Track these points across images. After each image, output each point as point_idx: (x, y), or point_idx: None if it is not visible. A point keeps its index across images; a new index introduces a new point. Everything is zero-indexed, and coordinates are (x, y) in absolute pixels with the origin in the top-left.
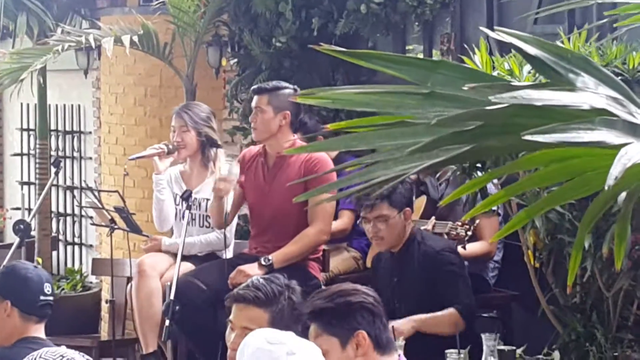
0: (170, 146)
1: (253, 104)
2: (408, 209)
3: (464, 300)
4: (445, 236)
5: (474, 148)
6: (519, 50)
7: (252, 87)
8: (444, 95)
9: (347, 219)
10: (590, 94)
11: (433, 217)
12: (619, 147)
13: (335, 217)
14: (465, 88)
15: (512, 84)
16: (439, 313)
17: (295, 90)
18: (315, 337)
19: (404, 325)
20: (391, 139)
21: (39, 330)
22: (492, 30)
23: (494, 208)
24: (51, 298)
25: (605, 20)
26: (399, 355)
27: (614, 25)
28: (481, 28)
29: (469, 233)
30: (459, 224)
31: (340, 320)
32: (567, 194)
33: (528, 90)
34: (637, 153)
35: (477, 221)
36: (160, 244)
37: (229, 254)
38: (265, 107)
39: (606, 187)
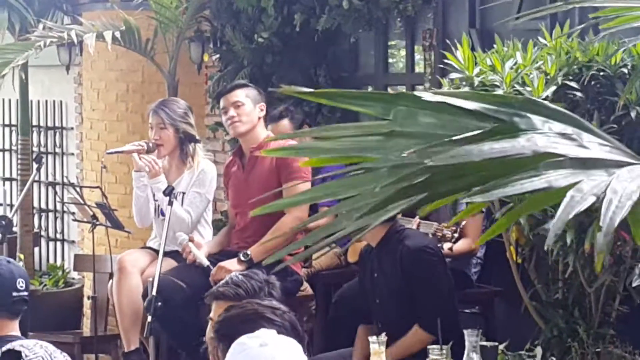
0: (150, 144)
1: (230, 100)
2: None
3: (434, 305)
4: (430, 236)
5: (426, 197)
6: (458, 108)
7: (219, 91)
8: (404, 132)
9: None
10: (535, 135)
11: (417, 217)
12: (567, 188)
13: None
14: (404, 154)
15: (454, 139)
16: (405, 338)
17: (256, 88)
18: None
19: None
20: (354, 187)
21: (12, 327)
22: (474, 27)
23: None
24: (25, 294)
25: (586, 24)
26: None
27: (600, 27)
28: (416, 93)
29: (455, 235)
30: (445, 225)
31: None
32: (542, 202)
33: (467, 146)
34: (582, 199)
35: (463, 223)
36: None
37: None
38: (244, 100)
39: (547, 245)
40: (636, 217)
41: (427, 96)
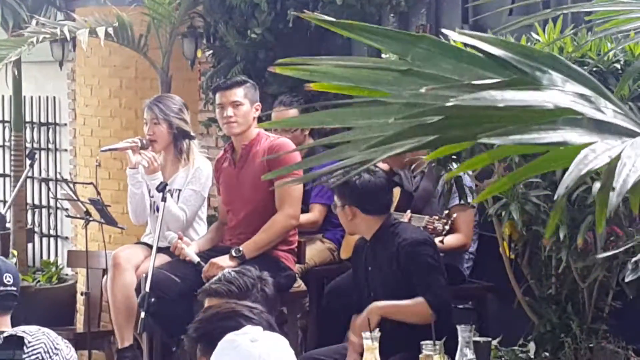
0: (144, 141)
1: (229, 98)
2: (353, 206)
3: (435, 291)
4: (422, 229)
5: (438, 138)
6: (482, 51)
7: (218, 84)
8: (421, 73)
9: (318, 213)
10: (556, 91)
11: (409, 211)
12: (581, 146)
13: (307, 211)
14: (422, 91)
15: (475, 83)
16: (406, 301)
17: (254, 85)
18: (199, 357)
19: (370, 314)
20: (365, 117)
21: (2, 323)
22: (467, 23)
23: (469, 201)
24: (13, 289)
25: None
26: None
27: (597, 29)
28: (444, 30)
29: (447, 227)
30: (437, 217)
31: (213, 345)
32: (545, 165)
33: (490, 90)
34: (595, 158)
35: (454, 215)
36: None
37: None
38: (243, 100)
39: (556, 197)
40: (636, 188)
41: (453, 36)
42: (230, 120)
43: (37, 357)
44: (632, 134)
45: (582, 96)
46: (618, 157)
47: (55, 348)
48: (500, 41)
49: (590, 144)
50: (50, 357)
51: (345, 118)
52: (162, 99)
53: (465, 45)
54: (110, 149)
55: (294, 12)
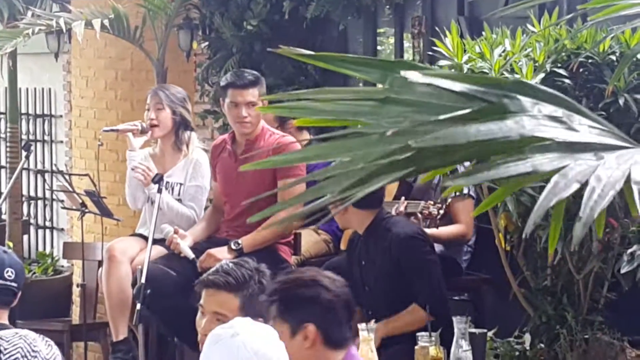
0: (144, 125)
1: (245, 98)
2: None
3: (428, 292)
4: (419, 215)
5: (413, 170)
6: (445, 89)
7: (232, 81)
8: (399, 100)
9: None
10: (524, 117)
11: (403, 198)
12: (551, 173)
13: None
14: (388, 134)
15: (438, 118)
16: (402, 313)
17: (262, 79)
18: (272, 319)
19: None
20: (346, 150)
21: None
22: (463, 14)
23: (468, 192)
24: (14, 284)
25: (574, 14)
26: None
27: (589, 19)
28: (405, 74)
29: (441, 212)
30: (431, 202)
31: (290, 310)
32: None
33: (452, 127)
34: (565, 186)
35: (449, 200)
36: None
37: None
38: (258, 100)
39: (524, 235)
40: (629, 186)
41: (415, 76)
42: (245, 120)
43: None
44: (608, 148)
45: (552, 118)
46: (586, 184)
47: (33, 351)
48: (463, 76)
49: (561, 168)
50: None
51: (328, 152)
52: (168, 87)
53: (465, 31)
54: (112, 130)
55: (289, 7)
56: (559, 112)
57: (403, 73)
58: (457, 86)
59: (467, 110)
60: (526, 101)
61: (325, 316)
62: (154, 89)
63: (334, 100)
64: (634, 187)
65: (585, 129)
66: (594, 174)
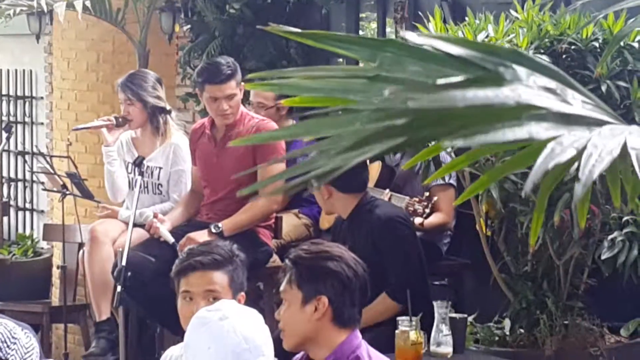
0: (120, 119)
1: (224, 92)
2: (331, 187)
3: (403, 276)
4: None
5: (407, 140)
6: (443, 52)
7: (208, 77)
8: (389, 77)
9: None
10: (520, 86)
11: (388, 190)
12: (547, 140)
13: None
14: (386, 93)
15: (438, 83)
16: (371, 305)
17: (238, 67)
18: (286, 283)
19: None
20: (335, 127)
21: None
22: (447, 1)
23: (449, 180)
24: None
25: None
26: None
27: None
28: (405, 35)
29: (427, 210)
30: (417, 199)
31: (309, 279)
32: (523, 161)
33: (451, 91)
34: (562, 151)
35: (435, 198)
36: (116, 215)
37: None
38: (236, 90)
39: (523, 195)
40: (615, 177)
41: (413, 38)
42: (226, 112)
43: None
44: (600, 123)
45: (547, 89)
46: (584, 148)
47: (13, 337)
48: (461, 40)
49: (556, 137)
50: (7, 346)
51: (316, 129)
52: (134, 78)
53: (448, 18)
54: (84, 128)
55: (259, 25)
56: (552, 84)
57: (403, 34)
58: (455, 50)
59: (464, 77)
60: (521, 71)
61: (341, 293)
62: (121, 84)
63: (323, 78)
64: (632, 153)
65: (579, 103)
66: (591, 141)
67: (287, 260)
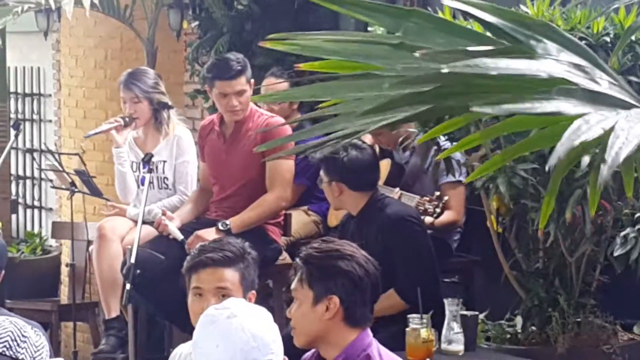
0: (127, 118)
1: (235, 88)
2: (340, 182)
3: (413, 275)
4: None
5: (432, 108)
6: (476, 18)
7: (219, 74)
8: (413, 46)
9: (293, 192)
10: (550, 61)
11: (398, 189)
12: (575, 117)
13: None
14: (417, 55)
15: (469, 49)
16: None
17: (248, 63)
18: (297, 282)
19: None
20: (356, 90)
21: None
22: None
23: (459, 177)
24: None
25: None
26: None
27: None
28: (444, 2)
29: (438, 210)
30: (427, 199)
31: (320, 278)
32: (538, 142)
33: (484, 58)
34: (588, 129)
35: (446, 198)
36: (124, 213)
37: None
38: (246, 86)
39: (547, 168)
40: (629, 167)
41: (447, 2)
42: (236, 109)
43: (4, 346)
44: (627, 106)
45: (577, 66)
46: (611, 130)
47: (23, 336)
48: (494, 8)
49: (584, 114)
50: (17, 344)
51: (337, 91)
52: (138, 76)
53: (458, 13)
54: (95, 133)
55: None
56: (582, 62)
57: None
58: (489, 17)
59: (497, 47)
60: (552, 46)
61: (352, 293)
62: (124, 83)
63: (347, 42)
64: None
65: (606, 84)
66: (618, 123)
67: (297, 259)
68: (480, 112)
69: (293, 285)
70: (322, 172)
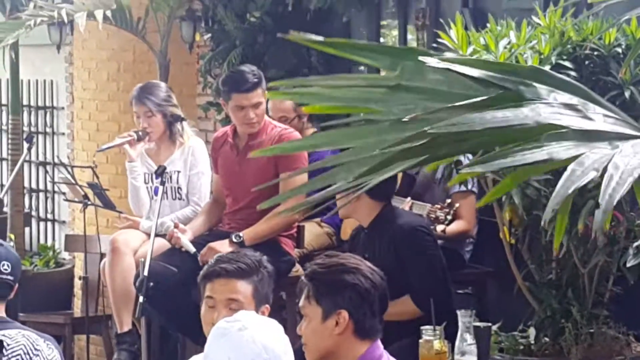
0: (140, 133)
1: (251, 101)
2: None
3: (426, 285)
4: (425, 218)
5: (427, 158)
6: (462, 74)
7: (235, 86)
8: (410, 87)
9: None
10: (539, 105)
11: (409, 198)
12: (568, 161)
13: None
14: (404, 120)
15: (455, 105)
16: (393, 303)
17: (262, 75)
18: (304, 299)
19: None
20: (357, 137)
21: None
22: (467, 6)
23: (470, 187)
24: (10, 277)
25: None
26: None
27: (589, 1)
28: (422, 59)
29: (449, 217)
30: (438, 207)
31: (327, 294)
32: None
33: (469, 114)
34: (582, 174)
35: (457, 205)
36: (138, 226)
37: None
38: (262, 99)
39: (543, 223)
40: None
41: (432, 62)
42: (253, 121)
43: (17, 359)
44: (623, 137)
45: (568, 106)
46: (605, 170)
47: (35, 349)
48: (481, 62)
49: (577, 156)
50: (30, 358)
51: (339, 140)
52: (150, 90)
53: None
54: (107, 147)
55: (280, 34)
56: (574, 100)
57: (421, 58)
58: (474, 72)
59: (483, 97)
60: (542, 89)
61: (361, 305)
62: (137, 98)
63: (345, 87)
64: None
65: (600, 118)
66: (612, 162)
67: (303, 277)
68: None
69: (301, 303)
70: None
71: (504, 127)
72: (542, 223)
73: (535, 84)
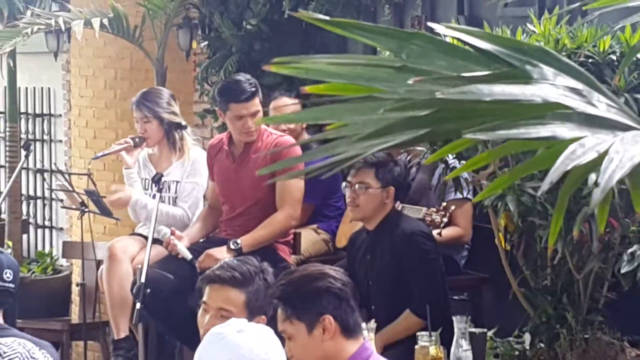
0: (137, 139)
1: (250, 110)
2: (392, 188)
3: (425, 291)
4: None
5: (430, 132)
6: (471, 45)
7: (233, 96)
8: (416, 69)
9: (303, 212)
10: (546, 85)
11: (398, 202)
12: (570, 141)
13: None
14: (410, 82)
15: (464, 75)
16: (396, 322)
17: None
18: (283, 321)
19: None
20: (359, 113)
21: None
22: (463, 14)
23: (466, 195)
24: (11, 285)
25: (575, 5)
26: (364, 339)
27: (584, 8)
28: (430, 24)
29: (445, 220)
30: (434, 210)
31: (305, 306)
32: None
33: (478, 84)
34: (583, 154)
35: (452, 207)
36: (129, 197)
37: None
38: (259, 107)
39: (539, 194)
40: (637, 181)
41: (442, 29)
42: (251, 130)
43: None
44: (624, 128)
45: (573, 90)
46: (606, 153)
47: (32, 358)
48: (489, 35)
49: (580, 138)
50: None
51: (341, 114)
52: (149, 96)
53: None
54: (103, 155)
55: (290, 11)
56: (579, 85)
57: (430, 24)
58: (483, 44)
59: (491, 72)
60: (548, 70)
61: (340, 305)
62: (136, 102)
63: (350, 65)
64: None
65: (604, 107)
66: (613, 146)
67: (275, 300)
68: (474, 138)
69: (280, 327)
70: (374, 176)
71: (511, 101)
72: (539, 193)
73: (541, 64)
